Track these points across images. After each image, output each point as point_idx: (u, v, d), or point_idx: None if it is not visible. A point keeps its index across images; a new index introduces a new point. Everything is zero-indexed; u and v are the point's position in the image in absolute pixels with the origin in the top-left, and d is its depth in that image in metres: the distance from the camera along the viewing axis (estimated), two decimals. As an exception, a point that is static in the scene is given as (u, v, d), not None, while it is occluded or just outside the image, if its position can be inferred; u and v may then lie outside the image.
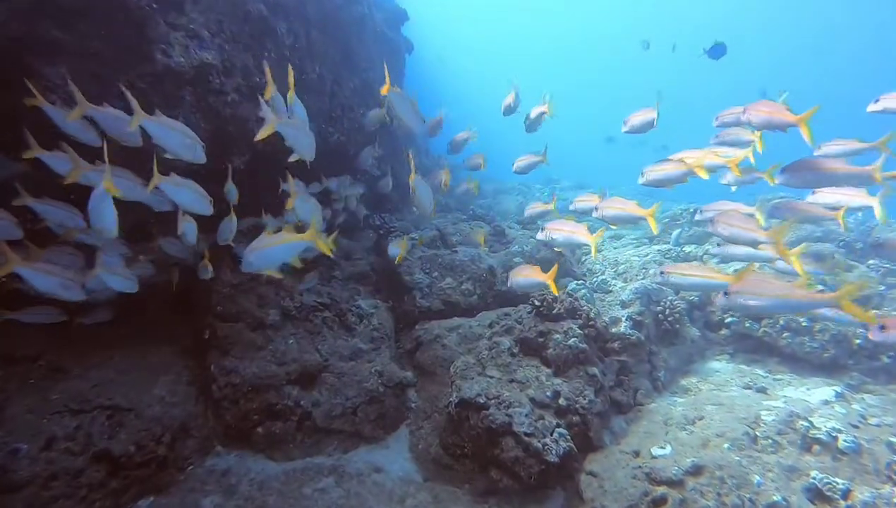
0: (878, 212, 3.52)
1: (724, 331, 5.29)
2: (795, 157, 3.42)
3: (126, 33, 3.04)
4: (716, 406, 3.90)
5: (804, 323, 4.68)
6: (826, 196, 3.63)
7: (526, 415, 3.48)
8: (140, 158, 2.80)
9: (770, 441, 3.34)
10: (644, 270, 6.02)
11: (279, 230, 2.95)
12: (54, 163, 2.65)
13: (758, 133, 3.78)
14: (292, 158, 3.17)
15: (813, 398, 3.99)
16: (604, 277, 5.97)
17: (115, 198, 2.48)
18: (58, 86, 2.82)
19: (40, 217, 2.81)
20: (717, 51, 7.14)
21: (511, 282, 3.92)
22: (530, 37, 41.50)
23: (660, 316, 5.01)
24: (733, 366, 4.84)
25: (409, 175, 3.82)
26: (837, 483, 2.90)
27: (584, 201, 4.54)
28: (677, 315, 4.98)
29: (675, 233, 6.96)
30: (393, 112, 3.55)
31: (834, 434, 3.26)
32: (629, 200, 3.82)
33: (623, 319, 4.78)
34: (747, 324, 5.04)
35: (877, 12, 30.06)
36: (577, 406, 3.67)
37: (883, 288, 5.13)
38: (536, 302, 4.27)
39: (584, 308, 4.34)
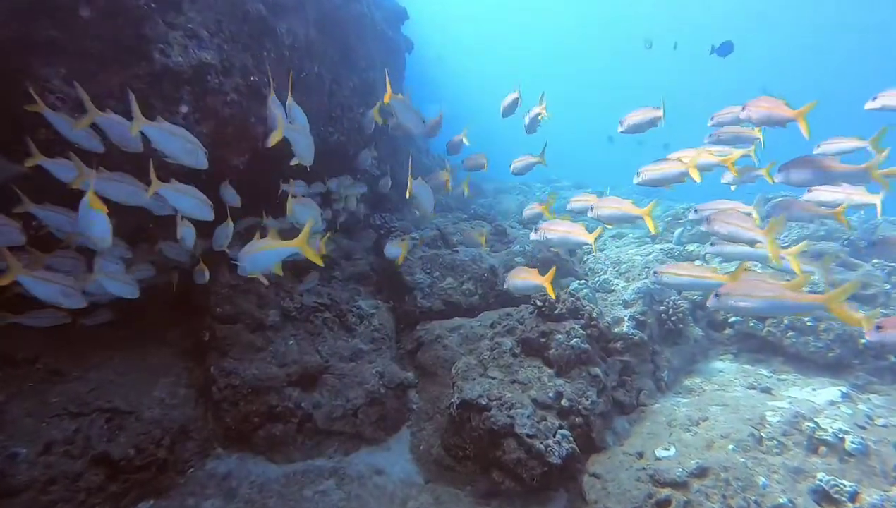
0: (879, 209, 3.49)
1: (727, 331, 5.25)
2: (795, 155, 3.40)
3: (124, 33, 3.01)
4: (720, 406, 3.87)
5: (809, 323, 4.63)
6: (824, 194, 3.59)
7: (528, 416, 3.45)
8: (148, 159, 2.78)
9: (775, 442, 3.30)
10: (646, 269, 5.98)
11: (280, 231, 2.94)
12: (56, 170, 2.64)
13: (758, 129, 3.74)
14: (293, 162, 3.17)
15: (818, 398, 3.94)
16: (606, 277, 5.92)
17: (115, 203, 2.45)
18: (55, 87, 2.79)
19: (42, 222, 2.80)
20: (725, 48, 7.23)
21: (508, 285, 3.87)
22: (530, 36, 41.51)
23: (663, 315, 4.97)
24: (737, 366, 4.80)
25: (409, 176, 3.80)
26: (845, 486, 2.86)
27: (581, 201, 4.50)
28: (680, 314, 4.94)
29: (678, 231, 6.93)
30: (395, 119, 3.56)
31: (840, 436, 3.22)
32: (625, 200, 3.78)
33: (625, 319, 4.74)
34: (751, 324, 4.98)
35: (876, 12, 30.00)
36: (580, 407, 3.64)
37: (889, 286, 5.08)
38: (538, 302, 4.23)
39: (587, 308, 4.31)
